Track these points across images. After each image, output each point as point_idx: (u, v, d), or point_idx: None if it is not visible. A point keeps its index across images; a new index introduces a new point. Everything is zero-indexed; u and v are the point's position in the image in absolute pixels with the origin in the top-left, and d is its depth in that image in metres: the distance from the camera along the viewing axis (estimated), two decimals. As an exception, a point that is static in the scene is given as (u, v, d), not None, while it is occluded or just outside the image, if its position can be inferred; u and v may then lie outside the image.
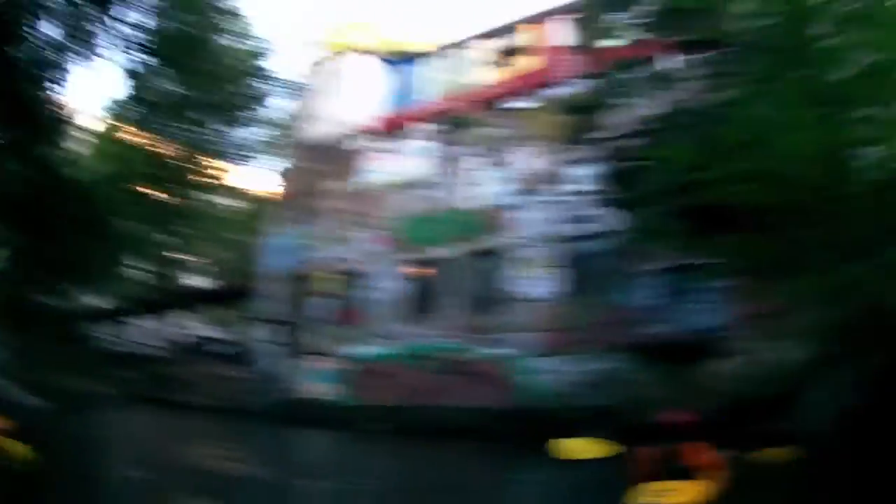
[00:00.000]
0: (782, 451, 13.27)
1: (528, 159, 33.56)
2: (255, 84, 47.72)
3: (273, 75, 43.35)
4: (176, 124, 37.50)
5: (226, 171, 53.41)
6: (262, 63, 46.74)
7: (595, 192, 30.12)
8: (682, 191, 20.45)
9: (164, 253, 51.17)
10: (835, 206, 14.67)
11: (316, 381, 37.20)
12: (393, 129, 40.83)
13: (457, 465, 24.27)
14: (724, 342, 25.94)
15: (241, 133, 51.56)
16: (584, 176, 31.36)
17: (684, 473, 10.77)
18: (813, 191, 14.64)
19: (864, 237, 14.64)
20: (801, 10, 13.69)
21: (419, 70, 42.96)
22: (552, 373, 29.42)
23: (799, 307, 19.01)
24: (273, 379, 38.83)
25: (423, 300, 35.20)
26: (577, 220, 31.10)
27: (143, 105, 34.82)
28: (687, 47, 29.39)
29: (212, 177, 51.99)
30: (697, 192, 17.20)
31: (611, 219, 29.12)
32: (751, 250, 17.14)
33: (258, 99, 43.43)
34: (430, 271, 35.37)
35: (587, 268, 30.67)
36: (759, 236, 16.88)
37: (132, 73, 32.03)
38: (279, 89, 37.85)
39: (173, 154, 45.67)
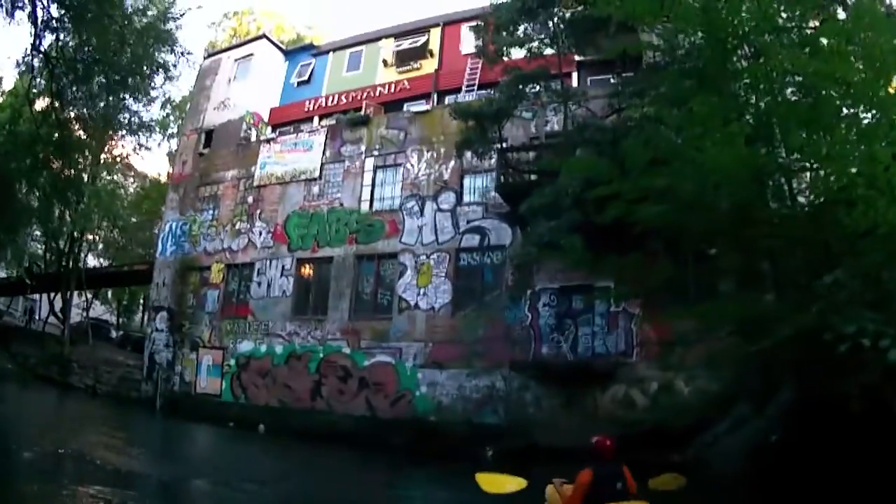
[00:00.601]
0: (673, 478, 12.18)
1: (424, 164, 33.12)
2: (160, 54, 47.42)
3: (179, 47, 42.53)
4: (84, 89, 36.34)
5: (129, 149, 52.47)
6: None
7: (491, 204, 30.06)
8: (579, 206, 20.52)
9: (66, 229, 49.24)
10: (755, 230, 14.06)
11: (200, 374, 36.57)
12: (290, 120, 40.74)
13: (337, 470, 23.77)
14: (622, 368, 25.70)
15: (145, 108, 51.03)
16: (480, 186, 31.31)
17: (623, 496, 10.36)
18: (733, 213, 14.02)
19: (788, 264, 14.24)
20: (724, 31, 13.08)
21: (320, 63, 42.58)
22: (439, 385, 29.06)
23: (707, 336, 18.00)
24: (160, 369, 38.19)
25: (309, 299, 34.84)
26: (469, 230, 30.79)
27: (49, 65, 33.72)
28: (596, 63, 29.48)
29: (117, 153, 51.46)
30: (598, 209, 16.33)
31: (506, 232, 29.31)
32: (653, 273, 16.40)
33: (163, 70, 42.50)
34: (318, 270, 34.92)
35: (479, 280, 30.34)
36: (664, 259, 16.46)
37: (40, 26, 30.66)
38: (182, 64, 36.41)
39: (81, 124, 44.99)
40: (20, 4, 26.47)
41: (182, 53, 34.98)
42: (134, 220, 56.51)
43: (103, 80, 33.59)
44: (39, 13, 27.46)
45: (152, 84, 38.27)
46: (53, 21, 28.68)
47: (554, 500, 12.10)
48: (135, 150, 54.81)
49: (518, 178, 28.40)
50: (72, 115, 37.15)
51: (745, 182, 12.98)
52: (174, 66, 36.87)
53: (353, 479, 21.54)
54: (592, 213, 17.51)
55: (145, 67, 34.78)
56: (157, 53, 36.14)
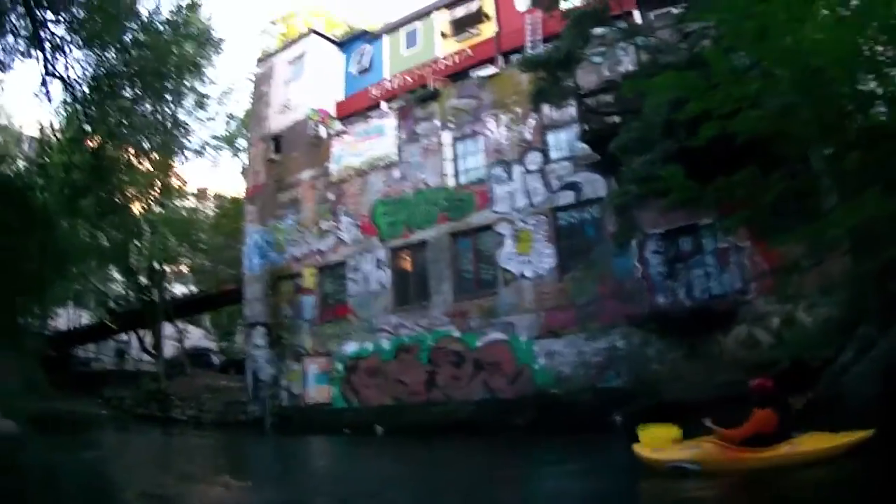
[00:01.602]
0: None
1: (504, 128, 31.34)
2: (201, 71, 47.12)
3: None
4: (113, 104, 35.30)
5: (190, 173, 51.91)
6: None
7: (579, 157, 28.40)
8: (671, 134, 18.73)
9: (140, 262, 48.72)
10: (866, 129, 12.63)
11: (308, 384, 35.22)
12: (357, 111, 38.86)
13: (466, 461, 21.88)
14: (742, 307, 23.80)
15: (203, 124, 50.53)
16: (564, 140, 29.55)
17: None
18: (837, 103, 12.62)
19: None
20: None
21: (377, 48, 41.02)
22: (557, 355, 27.27)
23: (822, 257, 16.73)
24: (265, 386, 36.88)
25: (409, 287, 33.25)
26: (563, 188, 28.95)
27: (69, 88, 32.70)
28: None
29: (179, 179, 50.61)
30: (691, 133, 14.83)
31: (599, 183, 27.64)
32: (764, 189, 14.68)
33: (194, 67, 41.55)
34: (414, 256, 33.31)
35: (580, 239, 28.54)
36: (769, 172, 14.75)
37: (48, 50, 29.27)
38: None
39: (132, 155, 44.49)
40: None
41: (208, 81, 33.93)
42: (218, 242, 55.26)
43: (132, 91, 32.40)
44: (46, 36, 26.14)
45: (185, 81, 37.63)
46: (64, 44, 27.34)
47: (710, 458, 12.28)
48: (199, 170, 54.77)
49: (601, 124, 26.73)
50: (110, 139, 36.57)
51: (850, 62, 11.20)
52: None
53: (477, 471, 19.74)
54: (685, 138, 15.84)
55: (171, 67, 33.82)
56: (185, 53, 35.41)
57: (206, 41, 37.90)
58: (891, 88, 12.12)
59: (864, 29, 11.39)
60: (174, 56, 35.62)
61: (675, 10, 25.90)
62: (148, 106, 36.36)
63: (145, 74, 31.57)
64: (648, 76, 21.49)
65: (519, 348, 28.28)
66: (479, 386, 28.96)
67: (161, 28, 32.98)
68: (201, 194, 58.49)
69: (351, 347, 33.65)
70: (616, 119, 25.47)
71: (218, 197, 60.76)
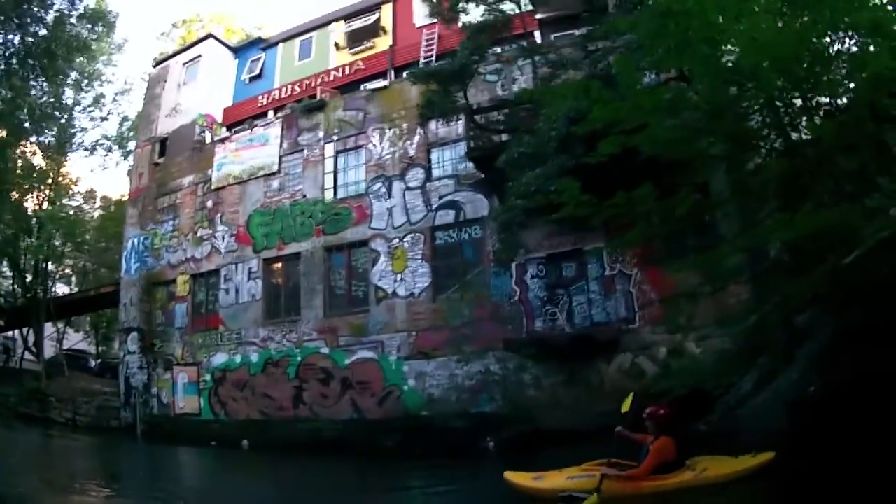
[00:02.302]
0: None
1: (388, 142, 30.50)
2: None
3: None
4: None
5: (79, 172, 50.55)
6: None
7: (462, 175, 27.92)
8: (567, 149, 18.05)
9: (29, 259, 47.41)
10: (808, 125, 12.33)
11: (177, 393, 33.91)
12: (243, 118, 37.60)
13: (331, 481, 21.17)
14: (626, 335, 23.23)
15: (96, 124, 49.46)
16: (449, 158, 28.93)
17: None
18: (775, 106, 12.11)
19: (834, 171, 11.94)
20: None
21: (270, 57, 40.28)
22: (428, 377, 26.51)
23: (723, 285, 16.43)
24: (137, 393, 35.65)
25: (281, 301, 31.97)
26: (443, 206, 28.25)
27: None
28: (560, 19, 27.13)
29: (67, 177, 49.81)
30: (589, 147, 14.44)
31: (481, 203, 27.08)
32: (661, 208, 14.22)
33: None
34: (287, 269, 32.20)
35: (458, 259, 27.81)
36: (667, 195, 14.21)
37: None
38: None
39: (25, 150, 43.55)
40: None
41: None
42: (101, 244, 53.64)
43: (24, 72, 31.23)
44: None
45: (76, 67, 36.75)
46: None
47: (610, 487, 11.74)
48: (92, 170, 53.90)
49: (489, 141, 25.79)
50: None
51: (789, 62, 10.76)
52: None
53: (341, 491, 18.96)
54: (582, 154, 15.21)
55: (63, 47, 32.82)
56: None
57: (99, 19, 37.01)
58: (834, 91, 11.64)
59: (817, 24, 10.84)
60: (69, 35, 34.79)
61: (577, 32, 25.64)
62: (42, 90, 35.44)
63: (40, 55, 30.52)
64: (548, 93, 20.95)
65: (388, 368, 27.33)
66: (347, 405, 27.91)
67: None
68: (89, 195, 56.75)
69: (220, 359, 32.45)
70: (505, 137, 24.67)
71: (105, 199, 59.03)
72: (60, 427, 37.83)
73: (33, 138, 46.66)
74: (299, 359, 29.65)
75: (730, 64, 12.02)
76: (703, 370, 18.46)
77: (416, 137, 29.61)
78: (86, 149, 49.98)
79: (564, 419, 20.76)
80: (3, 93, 33.62)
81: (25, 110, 39.61)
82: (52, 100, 44.52)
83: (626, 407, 13.64)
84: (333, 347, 28.85)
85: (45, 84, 37.79)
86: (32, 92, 40.40)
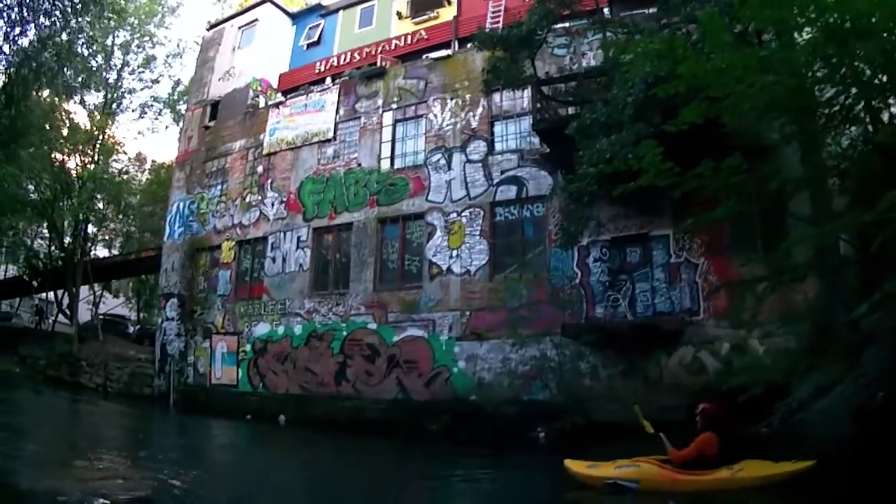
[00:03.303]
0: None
1: (449, 113, 28.77)
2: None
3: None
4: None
5: (127, 134, 49.52)
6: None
7: (527, 151, 26.17)
8: (645, 115, 16.78)
9: (67, 219, 46.55)
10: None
11: (215, 363, 32.59)
12: (300, 84, 35.86)
13: (371, 465, 19.81)
14: (689, 328, 21.41)
15: (139, 86, 49.50)
16: (513, 132, 27.19)
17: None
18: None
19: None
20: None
21: (330, 24, 38.46)
22: (479, 359, 24.81)
23: (784, 279, 15.48)
24: (173, 361, 34.26)
25: (329, 272, 30.57)
26: (504, 181, 26.43)
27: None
28: None
29: (116, 142, 48.45)
30: (669, 115, 13.22)
31: (545, 180, 25.28)
32: (747, 183, 13.11)
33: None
34: (337, 239, 30.58)
35: (519, 237, 25.96)
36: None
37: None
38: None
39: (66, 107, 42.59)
40: None
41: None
42: (146, 208, 52.30)
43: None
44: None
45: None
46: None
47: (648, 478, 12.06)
48: (141, 133, 53.19)
49: (556, 114, 23.99)
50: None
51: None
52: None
53: (380, 477, 17.78)
54: (661, 123, 14.00)
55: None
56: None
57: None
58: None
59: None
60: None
61: (648, 11, 23.63)
62: (86, 53, 34.38)
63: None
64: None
65: (438, 348, 25.71)
66: (392, 384, 26.43)
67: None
68: (137, 158, 55.53)
69: (262, 329, 31.06)
70: (573, 111, 23.04)
71: (154, 163, 57.79)
72: (90, 392, 37.19)
73: (79, 98, 45.85)
74: (345, 333, 28.19)
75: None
76: (767, 369, 17.03)
77: (479, 109, 27.92)
78: (133, 111, 49.70)
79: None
80: (49, 51, 32.78)
81: (71, 70, 38.77)
82: (101, 61, 43.64)
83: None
84: (382, 323, 27.35)
85: (93, 44, 36.73)
86: (80, 50, 39.83)
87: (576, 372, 22.57)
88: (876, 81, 11.08)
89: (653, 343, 21.43)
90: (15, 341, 46.16)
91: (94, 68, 44.62)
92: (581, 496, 13.19)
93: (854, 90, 11.59)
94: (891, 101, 11.94)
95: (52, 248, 49.47)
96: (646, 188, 13.50)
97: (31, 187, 45.62)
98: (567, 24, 25.81)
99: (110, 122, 47.03)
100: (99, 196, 47.06)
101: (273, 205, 32.80)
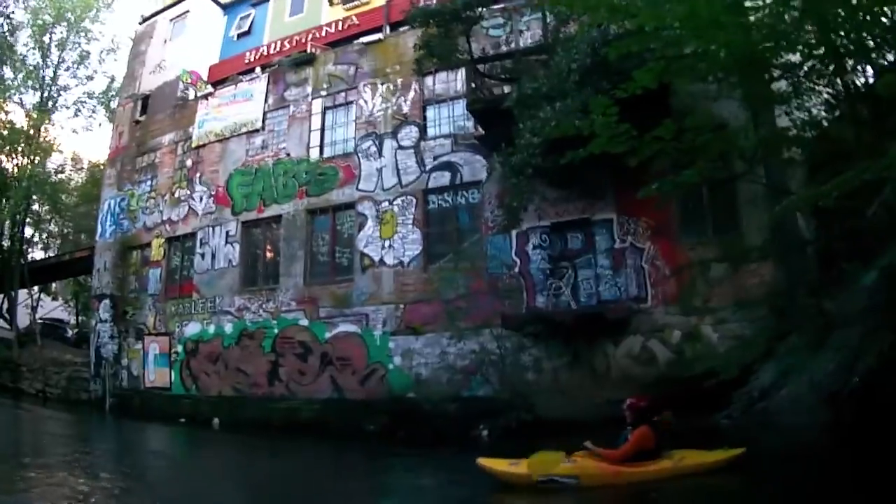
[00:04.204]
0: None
1: (380, 98, 27.51)
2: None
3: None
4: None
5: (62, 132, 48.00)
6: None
7: (460, 135, 25.02)
8: (592, 80, 15.81)
9: (7, 223, 45.04)
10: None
11: (148, 365, 31.11)
12: (229, 75, 34.42)
13: (305, 468, 18.94)
14: (637, 316, 20.41)
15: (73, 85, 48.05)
16: (446, 116, 26.01)
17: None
18: None
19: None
20: None
21: (260, 13, 37.25)
22: (416, 354, 23.62)
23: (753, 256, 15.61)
24: (108, 364, 32.79)
25: (258, 267, 29.37)
26: (438, 167, 25.22)
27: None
28: None
29: (51, 142, 47.03)
30: (618, 80, 12.16)
31: (479, 165, 24.15)
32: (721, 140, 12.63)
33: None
34: (266, 232, 29.33)
35: (454, 224, 24.83)
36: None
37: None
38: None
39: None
40: None
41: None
42: (81, 208, 50.78)
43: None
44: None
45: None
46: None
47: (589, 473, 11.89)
48: (75, 132, 52.08)
49: (492, 94, 22.68)
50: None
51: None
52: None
53: (315, 481, 16.74)
54: (610, 88, 12.86)
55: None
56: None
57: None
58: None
59: None
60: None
61: None
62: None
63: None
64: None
65: (373, 344, 24.45)
66: (326, 383, 25.13)
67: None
68: (73, 158, 53.99)
69: (193, 329, 29.60)
70: (510, 90, 21.38)
71: (90, 163, 56.26)
72: (30, 399, 35.94)
73: (17, 97, 45.03)
74: (276, 331, 26.87)
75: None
76: (720, 357, 16.07)
77: (411, 93, 26.79)
78: (67, 108, 48.26)
79: (566, 407, 18.38)
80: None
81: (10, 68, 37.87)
82: (38, 59, 42.79)
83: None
84: (313, 319, 26.04)
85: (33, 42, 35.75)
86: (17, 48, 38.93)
87: (518, 365, 21.40)
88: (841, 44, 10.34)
89: (599, 333, 20.46)
90: None
91: (31, 67, 44.61)
92: (509, 498, 12.61)
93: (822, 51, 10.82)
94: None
95: None
96: (588, 164, 12.98)
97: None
98: (503, 5, 24.89)
99: (46, 121, 45.29)
100: (35, 197, 45.68)
101: (202, 199, 31.38)
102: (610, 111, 11.63)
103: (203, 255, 30.31)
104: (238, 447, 23.25)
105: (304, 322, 26.11)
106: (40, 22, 44.38)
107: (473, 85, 22.93)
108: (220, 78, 35.05)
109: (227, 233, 29.76)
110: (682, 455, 11.83)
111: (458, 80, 25.20)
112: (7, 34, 43.45)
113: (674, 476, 11.55)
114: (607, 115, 11.61)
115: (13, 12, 28.32)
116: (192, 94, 35.02)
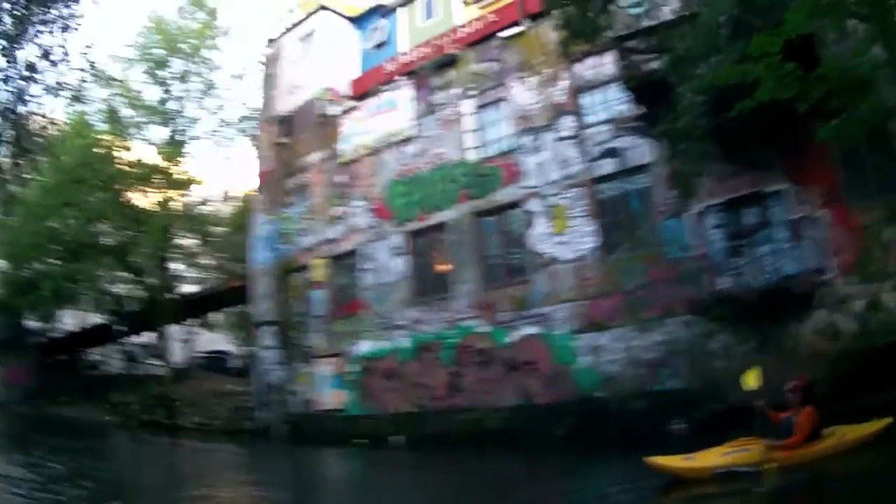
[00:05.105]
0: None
1: (529, 92, 26.80)
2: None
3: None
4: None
5: (200, 167, 48.34)
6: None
7: (619, 119, 23.96)
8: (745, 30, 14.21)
9: (149, 261, 45.57)
10: None
11: (319, 388, 31.06)
12: (372, 87, 34.01)
13: (495, 480, 18.31)
14: (819, 289, 19.25)
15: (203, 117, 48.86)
16: (599, 102, 25.06)
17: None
18: None
19: None
20: None
21: (392, 22, 36.43)
22: (602, 352, 22.64)
23: None
24: (273, 390, 32.84)
25: (429, 277, 28.78)
26: (602, 155, 24.22)
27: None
28: None
29: (188, 175, 47.19)
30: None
31: (643, 148, 23.06)
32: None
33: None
34: (433, 240, 28.88)
35: (626, 212, 23.81)
36: None
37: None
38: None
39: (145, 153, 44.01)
40: None
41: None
42: (233, 238, 51.18)
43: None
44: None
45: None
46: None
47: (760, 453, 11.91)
48: (213, 163, 52.97)
49: (642, 71, 21.39)
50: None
51: None
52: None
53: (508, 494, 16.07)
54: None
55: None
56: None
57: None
58: None
59: None
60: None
61: None
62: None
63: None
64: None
65: (557, 345, 23.66)
66: (511, 389, 24.49)
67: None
68: (225, 195, 54.70)
69: (365, 346, 29.47)
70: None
71: (228, 193, 56.92)
72: (189, 433, 36.18)
73: (139, 135, 46.21)
74: (454, 340, 26.38)
75: None
76: None
77: (562, 83, 25.90)
78: (198, 139, 49.23)
79: (759, 393, 15.95)
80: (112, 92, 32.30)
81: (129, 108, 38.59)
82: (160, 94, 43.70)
83: (752, 382, 13.38)
84: (492, 325, 25.45)
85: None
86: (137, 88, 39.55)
87: (706, 353, 20.45)
88: None
89: (784, 311, 19.43)
90: (106, 389, 45.36)
91: (153, 103, 45.48)
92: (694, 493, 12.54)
93: None
94: None
95: (136, 290, 48.70)
96: (754, 131, 13.69)
97: (104, 229, 45.67)
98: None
99: (179, 155, 45.91)
100: (180, 232, 46.64)
101: (361, 214, 31.38)
102: (774, 46, 10.73)
103: (369, 271, 30.23)
104: (420, 464, 22.82)
105: (483, 328, 25.62)
106: (153, 57, 45.21)
107: (624, 62, 21.86)
108: (364, 91, 34.67)
109: (392, 245, 29.59)
110: (842, 431, 12.13)
111: (606, 63, 24.06)
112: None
113: (839, 452, 11.83)
114: (773, 53, 10.76)
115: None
116: (333, 111, 34.78)
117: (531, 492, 15.75)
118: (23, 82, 18.94)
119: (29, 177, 43.78)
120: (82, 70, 25.39)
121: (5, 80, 18.29)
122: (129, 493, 18.74)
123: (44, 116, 24.42)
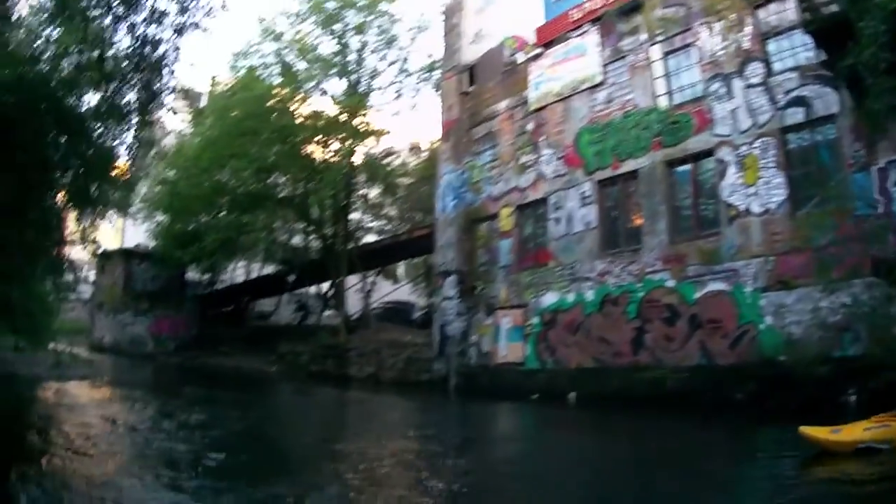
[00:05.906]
0: None
1: (716, 38, 25.98)
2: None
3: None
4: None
5: (383, 118, 48.54)
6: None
7: (805, 67, 22.80)
8: None
9: (328, 212, 47.08)
10: None
11: (499, 341, 31.14)
12: (558, 33, 33.39)
13: (678, 441, 18.19)
14: None
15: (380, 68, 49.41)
16: (785, 48, 24.00)
17: None
18: None
19: None
20: None
21: None
22: (788, 312, 21.74)
23: None
24: (453, 342, 32.95)
25: (619, 227, 28.40)
26: (790, 103, 23.12)
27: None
28: None
29: (369, 126, 47.28)
30: None
31: (830, 98, 21.82)
32: None
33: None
34: (623, 190, 28.36)
35: (815, 164, 22.78)
36: None
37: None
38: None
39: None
40: None
41: None
42: (417, 188, 51.47)
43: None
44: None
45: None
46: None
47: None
48: (397, 113, 53.23)
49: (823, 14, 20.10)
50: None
51: None
52: None
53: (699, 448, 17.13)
54: None
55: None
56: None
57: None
58: None
59: None
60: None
61: None
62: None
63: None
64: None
65: (744, 302, 22.88)
66: (694, 348, 23.90)
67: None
68: (413, 147, 55.80)
69: (550, 298, 29.31)
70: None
71: (416, 143, 57.11)
72: (360, 384, 36.85)
73: (317, 88, 47.40)
74: (641, 294, 25.93)
75: None
76: None
77: (748, 28, 25.02)
78: (381, 90, 49.47)
79: None
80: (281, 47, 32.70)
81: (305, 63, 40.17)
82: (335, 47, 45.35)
83: None
84: (680, 280, 24.86)
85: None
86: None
87: (888, 318, 19.11)
88: None
89: None
90: (275, 340, 46.62)
91: (328, 56, 46.30)
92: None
93: None
94: None
95: (309, 239, 50.11)
96: None
97: (282, 181, 46.80)
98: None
99: (361, 107, 46.09)
100: (363, 182, 47.78)
101: (550, 162, 31.23)
102: None
103: (557, 220, 30.03)
104: (594, 425, 22.64)
105: (671, 283, 25.05)
106: (325, 10, 45.91)
107: (804, 4, 20.40)
108: (549, 39, 34.12)
109: (582, 194, 29.25)
110: None
111: (789, 10, 23.20)
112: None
113: None
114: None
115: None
116: (519, 59, 34.64)
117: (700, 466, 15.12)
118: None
119: (188, 130, 45.04)
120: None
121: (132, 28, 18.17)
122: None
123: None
